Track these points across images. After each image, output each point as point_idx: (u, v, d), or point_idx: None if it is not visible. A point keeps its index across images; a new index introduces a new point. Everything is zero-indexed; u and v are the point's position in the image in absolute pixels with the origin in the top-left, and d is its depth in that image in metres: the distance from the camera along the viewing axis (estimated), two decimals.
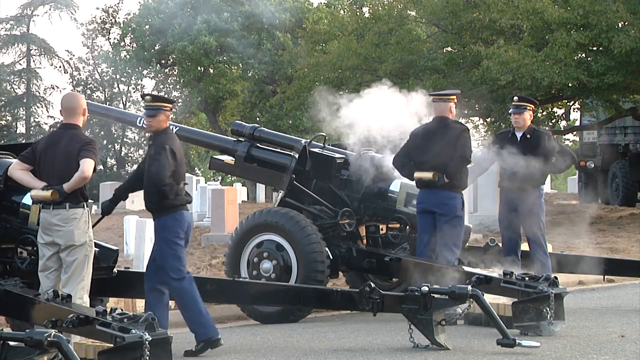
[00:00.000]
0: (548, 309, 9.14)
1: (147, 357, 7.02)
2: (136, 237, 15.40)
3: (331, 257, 11.07)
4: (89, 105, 11.66)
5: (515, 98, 11.68)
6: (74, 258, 8.52)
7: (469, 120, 26.73)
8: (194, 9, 42.44)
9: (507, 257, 11.09)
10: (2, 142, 48.96)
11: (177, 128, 12.87)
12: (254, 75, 42.57)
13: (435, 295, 8.70)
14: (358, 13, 27.84)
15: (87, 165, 8.45)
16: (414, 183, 10.91)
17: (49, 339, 6.55)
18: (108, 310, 7.45)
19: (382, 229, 11.67)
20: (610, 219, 23.47)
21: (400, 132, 11.22)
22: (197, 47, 40.65)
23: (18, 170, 8.70)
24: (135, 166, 57.46)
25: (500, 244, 11.47)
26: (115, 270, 9.57)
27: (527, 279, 9.53)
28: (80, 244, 8.53)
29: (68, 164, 8.50)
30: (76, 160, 8.48)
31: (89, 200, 8.85)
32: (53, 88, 64.04)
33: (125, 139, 64.79)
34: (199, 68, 42.95)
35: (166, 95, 9.67)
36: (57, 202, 8.44)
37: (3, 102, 60.64)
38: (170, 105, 9.29)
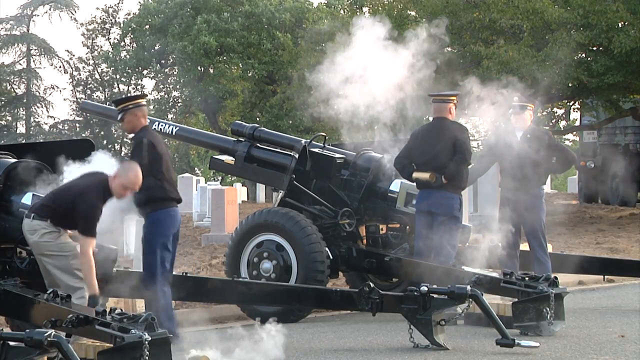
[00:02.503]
0: (548, 309, 9.14)
1: (147, 357, 7.02)
2: (136, 237, 15.38)
3: (331, 257, 11.07)
4: (89, 105, 11.66)
5: (515, 98, 11.66)
6: (55, 265, 8.55)
7: (469, 121, 26.68)
8: (194, 9, 42.46)
9: (506, 257, 11.08)
10: (2, 142, 48.91)
11: (177, 128, 12.87)
12: (254, 75, 42.58)
13: (435, 295, 8.71)
14: (358, 13, 27.84)
15: (82, 245, 8.48)
16: (414, 184, 10.92)
17: (49, 339, 6.55)
18: (108, 310, 7.45)
19: (382, 229, 11.66)
20: (610, 219, 23.48)
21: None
22: (197, 47, 40.67)
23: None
24: None
25: (500, 244, 11.46)
26: (115, 270, 9.57)
27: (527, 279, 9.54)
28: (54, 251, 8.58)
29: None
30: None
31: None
32: (53, 88, 64.06)
33: (125, 139, 64.78)
34: (199, 68, 42.96)
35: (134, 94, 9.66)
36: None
37: (3, 102, 60.62)
38: (136, 102, 9.35)
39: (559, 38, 21.24)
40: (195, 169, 56.29)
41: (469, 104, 11.17)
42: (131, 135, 9.51)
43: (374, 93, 11.15)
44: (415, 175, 10.70)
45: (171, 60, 45.52)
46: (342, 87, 11.28)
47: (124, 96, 11.21)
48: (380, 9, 25.02)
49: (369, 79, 11.15)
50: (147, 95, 10.14)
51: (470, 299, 8.64)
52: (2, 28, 60.55)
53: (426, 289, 8.71)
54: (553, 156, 11.40)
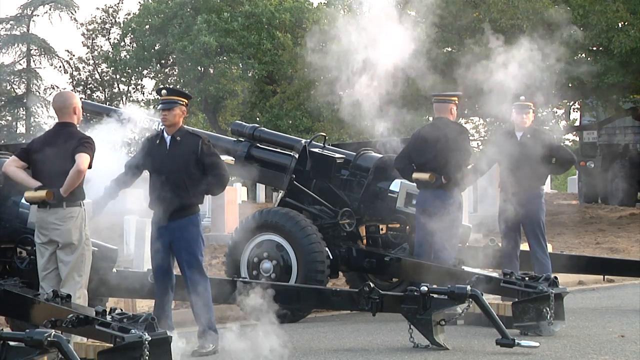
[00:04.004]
0: (548, 309, 9.15)
1: (147, 357, 7.02)
2: (136, 237, 15.39)
3: (331, 257, 11.07)
4: (89, 105, 11.61)
5: (522, 98, 11.59)
6: (71, 257, 8.48)
7: (469, 120, 26.68)
8: (194, 9, 42.46)
9: (506, 257, 11.08)
10: (2, 142, 48.92)
11: None
12: (254, 75, 42.56)
13: (435, 295, 8.71)
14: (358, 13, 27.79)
15: (81, 159, 8.30)
16: (414, 184, 10.92)
17: (49, 339, 6.55)
18: (108, 310, 7.45)
19: (382, 229, 11.66)
20: (610, 219, 23.47)
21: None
22: (197, 47, 40.65)
23: (13, 166, 8.59)
24: None
25: (500, 244, 11.47)
26: (114, 270, 9.57)
27: (527, 279, 9.54)
28: (77, 242, 8.48)
29: (65, 162, 8.39)
30: (72, 157, 8.39)
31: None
32: (53, 88, 63.92)
33: (125, 139, 64.65)
34: (199, 68, 42.95)
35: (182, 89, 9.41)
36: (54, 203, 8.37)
37: (3, 102, 60.61)
38: (186, 100, 9.13)
39: (559, 38, 21.24)
40: None
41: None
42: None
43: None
44: (415, 175, 10.71)
45: (171, 60, 45.48)
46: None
47: (175, 88, 10.60)
48: None
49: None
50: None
51: (470, 299, 8.65)
52: (2, 28, 60.53)
53: (426, 289, 8.71)
54: (553, 156, 11.39)
